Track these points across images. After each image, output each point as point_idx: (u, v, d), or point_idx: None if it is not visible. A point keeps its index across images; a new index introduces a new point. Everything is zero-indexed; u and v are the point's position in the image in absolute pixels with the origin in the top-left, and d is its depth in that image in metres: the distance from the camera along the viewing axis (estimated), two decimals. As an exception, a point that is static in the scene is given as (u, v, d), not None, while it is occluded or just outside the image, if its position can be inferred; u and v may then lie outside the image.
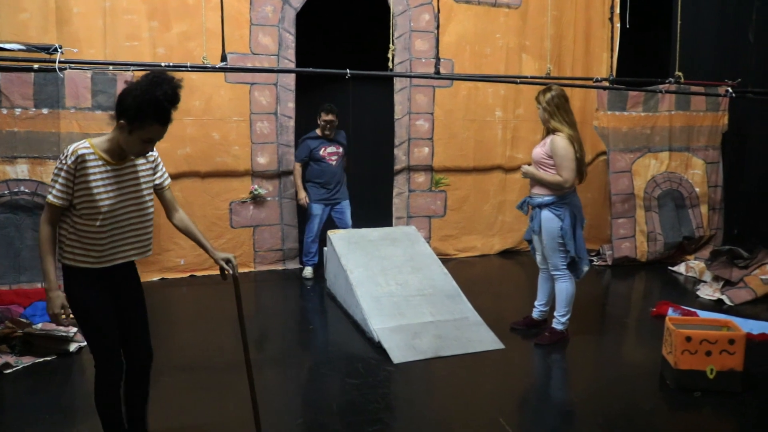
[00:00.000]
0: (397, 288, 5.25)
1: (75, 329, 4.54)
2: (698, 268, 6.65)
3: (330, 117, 6.41)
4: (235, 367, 4.18)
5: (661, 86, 6.95)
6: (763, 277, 6.07)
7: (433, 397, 4.05)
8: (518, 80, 6.77)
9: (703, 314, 5.34)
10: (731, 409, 3.80)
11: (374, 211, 7.40)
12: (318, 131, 6.53)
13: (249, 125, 6.61)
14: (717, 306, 5.76)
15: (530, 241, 5.07)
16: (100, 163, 2.67)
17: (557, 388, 4.28)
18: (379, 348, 4.56)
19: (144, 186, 2.82)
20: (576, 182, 4.67)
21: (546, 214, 4.66)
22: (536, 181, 4.68)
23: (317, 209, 6.52)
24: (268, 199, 6.77)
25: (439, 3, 6.48)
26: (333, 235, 5.90)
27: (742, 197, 7.70)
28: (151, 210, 2.86)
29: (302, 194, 6.52)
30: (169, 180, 3.00)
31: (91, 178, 2.64)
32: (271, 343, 4.98)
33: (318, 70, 6.13)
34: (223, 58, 5.41)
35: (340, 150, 6.58)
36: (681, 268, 6.89)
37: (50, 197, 2.65)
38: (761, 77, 7.02)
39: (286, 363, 4.55)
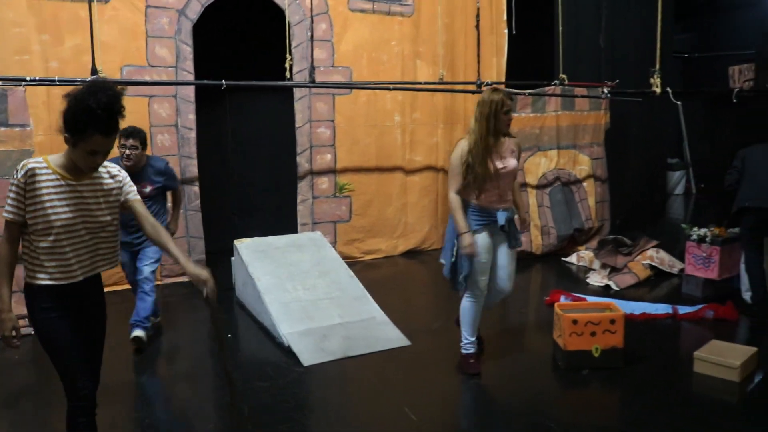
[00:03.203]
0: (305, 293, 5.38)
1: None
2: (588, 258, 7.11)
3: (129, 141, 4.79)
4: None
5: (546, 88, 7.40)
6: (644, 262, 6.58)
7: (342, 394, 4.21)
8: (391, 86, 7.06)
9: (591, 300, 5.73)
10: (615, 382, 4.18)
11: (279, 218, 7.49)
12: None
13: (150, 138, 6.57)
14: (605, 291, 6.20)
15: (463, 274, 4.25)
16: (53, 177, 2.60)
17: (460, 378, 4.52)
18: (289, 352, 4.68)
19: (106, 203, 2.74)
20: None
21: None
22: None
23: (123, 256, 4.89)
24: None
25: (316, 12, 6.67)
26: (239, 244, 5.96)
27: (625, 189, 8.28)
28: (115, 226, 2.80)
29: None
30: (137, 196, 2.88)
31: (44, 192, 2.58)
32: (181, 354, 5.00)
33: (194, 82, 6.30)
34: (93, 72, 5.43)
35: (147, 189, 4.90)
36: (573, 259, 7.34)
37: (4, 213, 2.59)
38: (631, 78, 7.62)
39: (197, 372, 4.60)
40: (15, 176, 2.58)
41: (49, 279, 2.64)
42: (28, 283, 2.68)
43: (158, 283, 6.55)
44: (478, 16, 7.44)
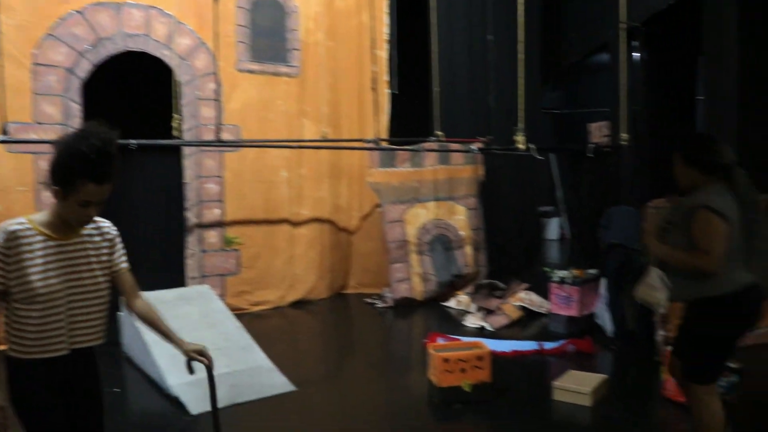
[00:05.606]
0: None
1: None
2: (465, 302, 7.58)
3: None
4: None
5: (423, 144, 7.95)
6: (515, 303, 7.12)
7: (229, 439, 4.37)
8: (309, 144, 7.50)
9: (465, 340, 6.16)
10: (485, 413, 4.58)
11: (168, 273, 7.55)
12: None
13: (34, 195, 6.56)
14: (480, 332, 6.65)
15: None
16: (40, 239, 2.37)
17: (343, 419, 4.78)
18: (177, 402, 4.77)
19: (97, 264, 2.50)
20: None
21: None
22: None
23: None
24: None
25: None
26: (127, 299, 6.02)
27: (499, 236, 8.91)
28: (105, 293, 2.54)
29: None
30: (127, 264, 2.64)
31: (29, 255, 2.34)
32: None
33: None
34: (5, 131, 5.49)
35: None
36: (452, 303, 7.79)
37: None
38: (504, 134, 8.32)
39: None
40: None
41: (34, 352, 2.39)
42: (12, 357, 2.42)
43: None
44: (374, 80, 7.94)
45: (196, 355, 2.61)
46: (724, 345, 3.33)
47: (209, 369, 2.67)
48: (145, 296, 2.69)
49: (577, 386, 4.68)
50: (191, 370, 2.64)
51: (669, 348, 3.91)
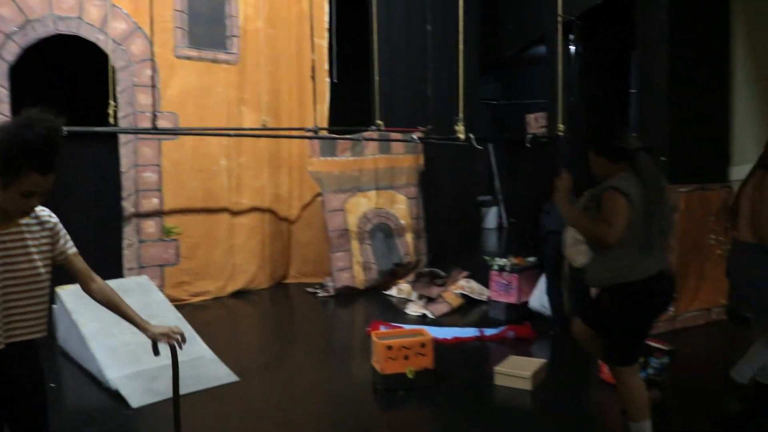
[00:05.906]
0: (133, 336, 5.36)
1: None
2: (406, 290, 7.66)
3: None
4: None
5: (363, 133, 7.96)
6: (456, 291, 7.24)
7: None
8: (232, 132, 7.36)
9: (407, 327, 6.23)
10: (428, 399, 4.65)
11: (103, 263, 7.36)
12: None
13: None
14: (421, 320, 6.73)
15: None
16: None
17: (286, 408, 4.78)
18: (117, 396, 4.69)
19: (37, 255, 2.39)
20: None
21: None
22: None
23: None
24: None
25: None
26: (62, 291, 5.84)
27: (440, 225, 9.03)
28: (45, 284, 2.43)
29: None
30: (74, 249, 2.56)
31: None
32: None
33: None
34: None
35: None
36: (393, 291, 7.85)
37: None
38: (444, 124, 8.41)
39: (18, 423, 4.49)
40: None
41: None
42: None
43: None
44: (313, 68, 7.85)
45: (162, 338, 2.61)
46: (636, 330, 3.54)
47: (174, 351, 2.67)
48: (100, 280, 2.64)
49: (517, 371, 4.80)
50: (156, 352, 2.63)
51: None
